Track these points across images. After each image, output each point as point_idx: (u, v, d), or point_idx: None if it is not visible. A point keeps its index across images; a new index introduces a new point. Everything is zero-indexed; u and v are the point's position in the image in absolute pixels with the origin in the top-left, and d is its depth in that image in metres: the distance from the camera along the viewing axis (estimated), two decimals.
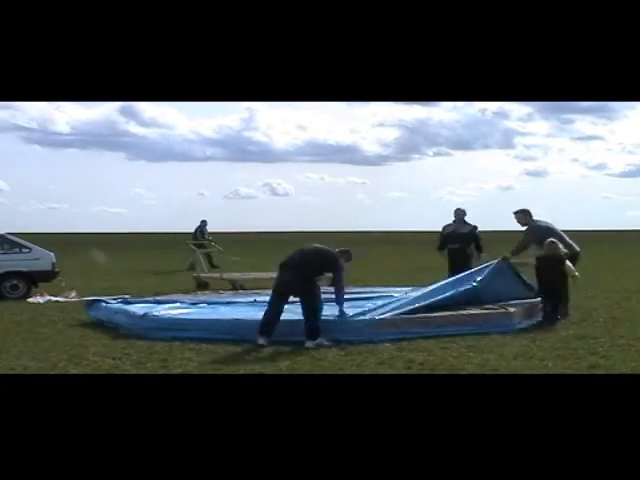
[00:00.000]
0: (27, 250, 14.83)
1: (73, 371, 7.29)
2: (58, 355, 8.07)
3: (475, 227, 12.90)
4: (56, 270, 15.14)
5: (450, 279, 10.87)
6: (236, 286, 15.20)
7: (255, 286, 15.13)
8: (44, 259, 14.92)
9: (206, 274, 17.10)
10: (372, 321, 9.07)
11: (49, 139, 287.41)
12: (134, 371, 7.28)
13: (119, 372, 7.21)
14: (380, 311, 9.40)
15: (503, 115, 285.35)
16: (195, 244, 21.60)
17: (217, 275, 16.29)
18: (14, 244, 14.81)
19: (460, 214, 12.92)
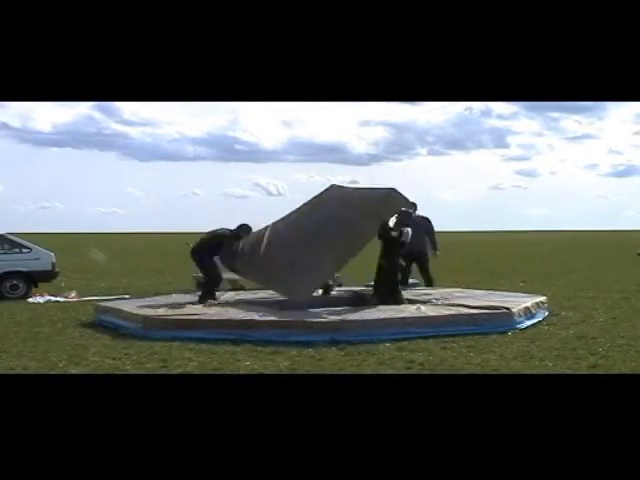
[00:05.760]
0: (27, 250, 14.83)
1: (73, 371, 7.29)
2: (58, 355, 8.08)
3: None
4: (56, 270, 15.15)
5: None
6: (236, 287, 15.19)
7: (255, 286, 15.13)
8: (44, 259, 14.93)
9: None
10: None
11: (32, 137, 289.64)
12: (134, 371, 7.28)
13: (119, 372, 7.21)
14: None
15: (489, 113, 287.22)
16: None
17: None
18: (14, 244, 14.82)
19: None
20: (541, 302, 11.02)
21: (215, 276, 11.80)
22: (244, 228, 11.75)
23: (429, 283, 13.44)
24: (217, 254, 11.68)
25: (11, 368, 7.40)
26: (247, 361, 7.67)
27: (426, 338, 8.77)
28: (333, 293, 12.42)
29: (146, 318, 9.59)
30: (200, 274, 16.97)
